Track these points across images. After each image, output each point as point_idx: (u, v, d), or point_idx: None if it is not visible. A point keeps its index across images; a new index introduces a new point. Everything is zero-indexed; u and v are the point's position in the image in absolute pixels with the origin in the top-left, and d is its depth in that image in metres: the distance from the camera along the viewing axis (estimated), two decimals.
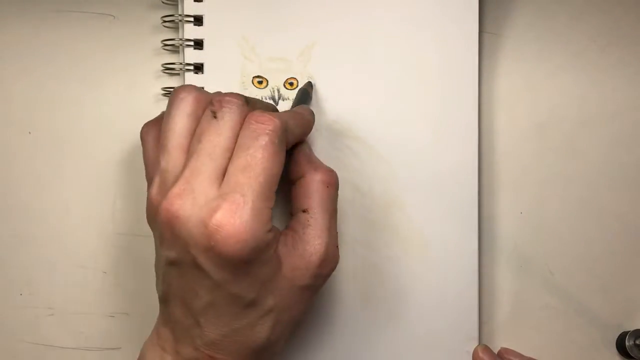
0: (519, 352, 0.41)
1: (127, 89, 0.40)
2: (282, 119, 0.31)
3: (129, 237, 0.40)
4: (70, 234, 0.40)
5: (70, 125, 0.40)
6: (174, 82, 0.40)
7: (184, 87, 0.33)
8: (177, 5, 0.40)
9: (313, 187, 0.33)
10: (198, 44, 0.39)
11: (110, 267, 0.40)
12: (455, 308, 0.40)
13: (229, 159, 0.30)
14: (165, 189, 0.31)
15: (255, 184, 0.29)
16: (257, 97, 0.39)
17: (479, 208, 0.40)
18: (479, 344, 0.40)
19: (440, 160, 0.40)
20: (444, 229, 0.40)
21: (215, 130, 0.31)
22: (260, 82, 0.39)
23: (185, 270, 0.31)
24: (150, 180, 0.34)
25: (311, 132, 0.38)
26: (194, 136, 0.31)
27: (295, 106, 0.37)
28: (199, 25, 0.39)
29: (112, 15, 0.41)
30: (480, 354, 0.39)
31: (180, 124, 0.32)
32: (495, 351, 0.41)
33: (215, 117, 0.31)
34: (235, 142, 0.31)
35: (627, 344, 0.41)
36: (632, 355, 0.41)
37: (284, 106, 0.39)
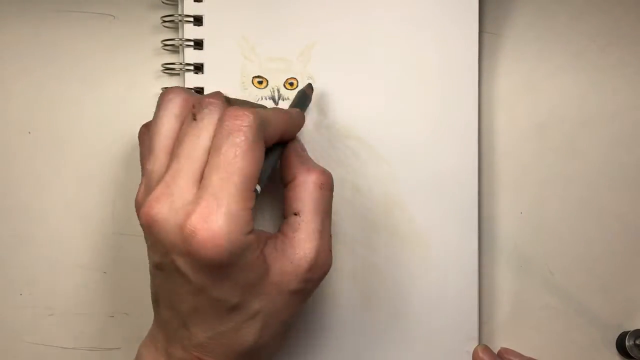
0: (519, 352, 0.41)
1: (127, 89, 0.40)
2: (259, 113, 0.30)
3: (129, 237, 0.40)
4: (70, 234, 0.40)
5: (70, 125, 0.40)
6: (174, 82, 0.40)
7: (172, 89, 0.32)
8: (177, 5, 0.40)
9: (305, 189, 0.32)
10: (198, 44, 0.39)
11: (110, 267, 0.40)
12: (455, 308, 0.40)
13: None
14: (148, 192, 0.31)
15: (229, 185, 0.29)
16: (257, 98, 0.39)
17: (479, 208, 0.40)
18: (479, 344, 0.40)
19: (440, 160, 0.40)
20: (444, 229, 0.40)
21: (194, 132, 0.30)
22: (260, 82, 0.39)
23: (168, 274, 0.30)
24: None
25: (311, 133, 0.39)
26: (177, 139, 0.31)
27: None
28: (198, 25, 0.39)
29: (112, 15, 0.41)
30: (480, 354, 0.39)
31: (167, 125, 0.31)
32: (495, 351, 0.41)
33: (195, 119, 0.31)
34: None
35: (627, 344, 0.41)
36: (632, 355, 0.41)
37: (284, 106, 0.39)
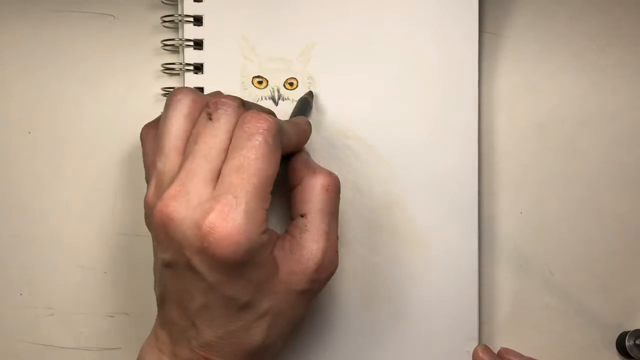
0: (519, 352, 0.41)
1: (127, 89, 0.40)
2: (277, 120, 0.31)
3: (129, 237, 0.40)
4: (70, 234, 0.40)
5: (70, 125, 0.40)
6: (174, 82, 0.40)
7: (181, 89, 0.33)
8: (177, 5, 0.40)
9: (312, 191, 0.33)
10: (198, 44, 0.39)
11: (110, 267, 0.40)
12: (455, 308, 0.40)
13: (224, 160, 0.30)
14: (160, 191, 0.31)
15: (248, 185, 0.29)
16: (256, 98, 0.39)
17: (479, 208, 0.40)
18: (479, 344, 0.40)
19: (440, 160, 0.40)
20: (444, 229, 0.40)
21: (211, 131, 0.31)
22: (260, 82, 0.39)
23: (180, 272, 0.31)
24: (148, 182, 0.34)
25: (312, 133, 0.38)
26: (190, 138, 0.31)
27: (293, 116, 0.37)
28: (198, 25, 0.39)
29: (112, 15, 0.41)
30: (480, 354, 0.39)
31: (176, 125, 0.32)
32: (495, 351, 0.41)
33: (210, 118, 0.31)
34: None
35: (627, 344, 0.41)
36: (632, 355, 0.41)
37: (284, 106, 0.39)
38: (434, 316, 0.40)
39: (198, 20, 0.39)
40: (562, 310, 0.42)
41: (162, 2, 0.40)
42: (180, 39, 0.39)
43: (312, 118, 0.39)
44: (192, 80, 0.39)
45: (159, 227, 0.30)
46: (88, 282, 0.40)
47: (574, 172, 0.42)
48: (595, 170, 0.42)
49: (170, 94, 0.33)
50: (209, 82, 0.39)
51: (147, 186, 0.32)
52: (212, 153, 0.30)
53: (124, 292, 0.40)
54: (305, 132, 0.35)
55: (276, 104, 0.39)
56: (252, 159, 0.29)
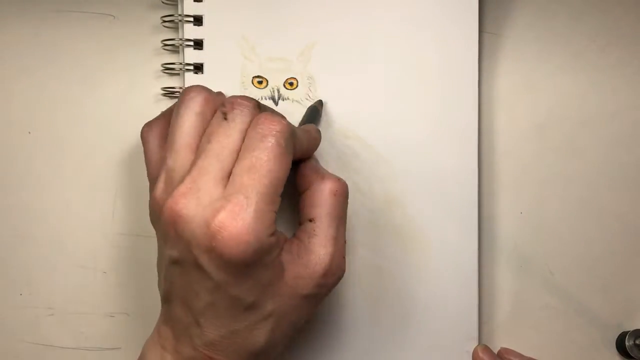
0: (519, 352, 0.41)
1: (127, 89, 0.40)
2: (290, 124, 0.31)
3: (129, 237, 0.40)
4: (70, 234, 0.40)
5: (70, 125, 0.40)
6: (174, 82, 0.40)
7: (194, 87, 0.33)
8: (177, 5, 0.40)
9: (320, 196, 0.33)
10: (198, 44, 0.39)
11: (110, 267, 0.40)
12: (455, 308, 0.40)
13: (236, 160, 0.30)
14: (170, 188, 0.31)
15: (259, 186, 0.29)
16: (256, 98, 0.39)
17: (479, 208, 0.40)
18: (479, 344, 0.40)
19: (440, 160, 0.40)
20: (444, 229, 0.40)
21: (225, 131, 0.31)
22: (260, 82, 0.39)
23: (187, 270, 0.31)
24: (153, 180, 0.33)
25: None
26: (204, 136, 0.31)
27: (303, 124, 0.37)
28: (198, 25, 0.39)
29: (112, 15, 0.41)
30: (480, 354, 0.39)
31: (188, 122, 0.32)
32: (495, 351, 0.41)
33: (225, 118, 0.31)
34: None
35: (627, 344, 0.41)
36: (632, 355, 0.41)
37: (284, 106, 0.39)
38: (433, 316, 0.40)
39: (198, 20, 0.39)
40: (562, 310, 0.42)
41: (162, 2, 0.40)
42: (180, 39, 0.39)
43: None
44: (192, 80, 0.39)
45: (168, 223, 0.30)
46: (88, 282, 0.40)
47: (574, 172, 0.42)
48: (595, 170, 0.42)
49: (183, 91, 0.33)
50: (209, 82, 0.39)
51: (154, 183, 0.32)
52: (224, 152, 0.30)
53: (124, 292, 0.40)
54: (315, 140, 0.35)
55: (276, 103, 0.39)
56: (264, 160, 0.29)
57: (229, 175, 0.30)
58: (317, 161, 0.35)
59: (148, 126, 0.35)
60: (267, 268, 0.31)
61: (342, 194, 0.33)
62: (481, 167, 0.41)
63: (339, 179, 0.33)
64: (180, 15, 0.39)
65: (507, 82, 0.42)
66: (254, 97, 0.39)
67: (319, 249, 0.32)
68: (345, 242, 0.33)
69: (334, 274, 0.33)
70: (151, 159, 0.34)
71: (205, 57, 0.39)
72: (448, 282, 0.40)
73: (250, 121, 0.31)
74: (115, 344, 0.40)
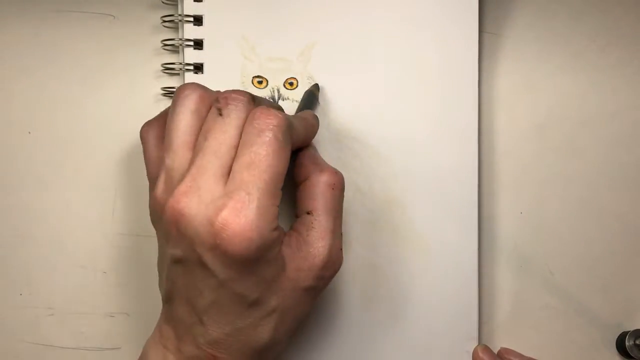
0: (519, 352, 0.41)
1: (127, 89, 0.40)
2: (287, 116, 0.31)
3: (129, 237, 0.40)
4: (70, 234, 0.40)
5: (71, 125, 0.40)
6: (174, 82, 0.40)
7: (188, 85, 0.33)
8: (177, 5, 0.40)
9: (318, 188, 0.33)
10: (198, 44, 0.39)
11: (110, 267, 0.40)
12: (455, 308, 0.40)
13: (234, 156, 0.30)
14: (171, 187, 0.31)
15: (260, 182, 0.29)
16: None
17: (479, 208, 0.40)
18: (479, 344, 0.40)
19: (440, 160, 0.40)
20: (444, 229, 0.40)
21: (221, 127, 0.31)
22: (260, 82, 0.39)
23: (190, 269, 0.31)
24: (153, 179, 0.33)
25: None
26: (200, 134, 0.31)
27: (300, 110, 0.37)
28: (198, 25, 0.39)
29: (112, 15, 0.41)
30: (480, 354, 0.39)
31: (184, 121, 0.32)
32: (495, 351, 0.41)
33: (220, 114, 0.31)
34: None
35: (627, 344, 0.41)
36: (632, 355, 0.41)
37: (284, 106, 0.39)
38: (434, 316, 0.40)
39: (198, 20, 0.39)
40: (562, 310, 0.42)
41: (162, 2, 0.40)
42: (180, 39, 0.39)
43: None
44: (192, 80, 0.39)
45: (170, 223, 0.30)
46: (88, 282, 0.40)
47: (574, 172, 0.42)
48: (595, 170, 0.42)
49: (177, 90, 0.33)
50: (208, 82, 0.38)
51: (154, 183, 0.32)
52: (222, 149, 0.30)
53: (124, 292, 0.40)
54: (313, 127, 0.35)
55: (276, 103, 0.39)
56: (263, 156, 0.29)
57: (228, 171, 0.30)
58: (315, 149, 0.35)
59: (147, 126, 0.35)
60: (270, 263, 0.31)
61: (339, 187, 0.33)
62: (481, 167, 0.41)
63: (336, 172, 0.33)
64: (180, 15, 0.39)
65: (507, 82, 0.42)
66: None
67: (317, 241, 0.32)
68: (341, 234, 0.34)
69: (332, 266, 0.33)
70: (150, 158, 0.34)
71: (205, 57, 0.39)
72: (448, 282, 0.40)
73: (246, 115, 0.31)
74: (115, 344, 0.40)
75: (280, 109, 0.35)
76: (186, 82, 0.39)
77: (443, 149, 0.40)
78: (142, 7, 0.41)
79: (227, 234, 0.29)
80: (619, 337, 0.41)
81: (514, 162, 0.41)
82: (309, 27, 0.39)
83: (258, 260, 0.30)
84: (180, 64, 0.39)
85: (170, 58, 0.40)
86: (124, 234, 0.40)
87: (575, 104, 0.42)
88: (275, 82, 0.39)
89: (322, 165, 0.34)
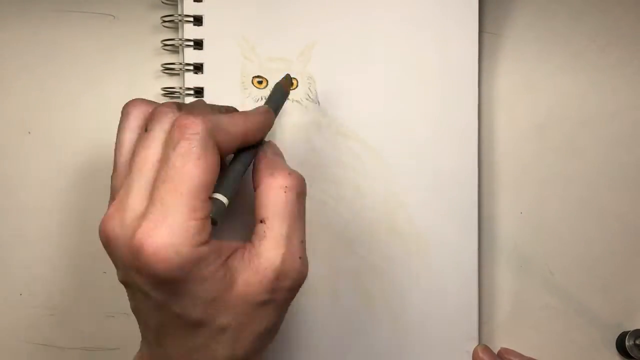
0: (519, 352, 0.41)
1: (127, 89, 0.40)
2: (209, 120, 0.28)
3: None
4: (71, 234, 0.40)
5: (70, 125, 0.40)
6: (174, 82, 0.40)
7: (131, 102, 0.31)
8: (177, 5, 0.40)
9: (269, 193, 0.30)
10: (198, 44, 0.39)
11: (110, 267, 0.40)
12: (455, 308, 0.40)
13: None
14: None
15: (176, 196, 0.27)
16: (256, 98, 0.39)
17: (479, 208, 0.40)
18: (479, 344, 0.40)
19: (440, 160, 0.40)
20: (444, 229, 0.40)
21: (144, 143, 0.29)
22: (260, 82, 0.39)
23: (132, 291, 0.30)
24: None
25: (312, 133, 0.38)
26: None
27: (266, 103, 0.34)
28: (198, 25, 0.39)
29: (112, 15, 0.41)
30: (480, 354, 0.39)
31: (125, 139, 0.31)
32: (495, 351, 0.41)
33: (146, 129, 0.29)
34: None
35: (627, 344, 0.41)
36: (632, 355, 0.41)
37: (283, 106, 0.39)
38: (434, 316, 0.40)
39: (198, 20, 0.39)
40: (562, 310, 0.42)
41: (162, 2, 0.40)
42: (180, 39, 0.39)
43: (313, 118, 0.39)
44: (192, 80, 0.39)
45: (104, 247, 0.29)
46: (88, 282, 0.40)
47: (574, 172, 0.42)
48: (595, 170, 0.42)
49: (123, 107, 0.31)
50: (209, 82, 0.39)
51: None
52: (146, 166, 0.29)
53: (124, 292, 0.40)
54: (259, 124, 0.32)
55: None
56: (179, 167, 0.27)
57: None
58: (275, 152, 0.33)
59: None
60: (206, 281, 0.28)
61: (294, 189, 0.30)
62: (481, 167, 0.41)
63: (290, 173, 0.31)
64: (180, 15, 0.39)
65: (507, 82, 0.42)
66: (253, 97, 0.39)
67: (268, 251, 0.29)
68: (302, 241, 0.31)
69: (289, 275, 0.30)
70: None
71: (205, 57, 0.39)
72: (448, 282, 0.40)
73: (170, 127, 0.29)
74: (115, 344, 0.40)
75: (218, 110, 0.33)
76: (186, 82, 0.39)
77: (443, 148, 0.40)
78: (142, 7, 0.41)
79: (143, 256, 0.27)
80: (619, 337, 0.41)
81: (514, 162, 0.41)
82: (309, 27, 0.39)
83: (186, 279, 0.28)
84: (180, 64, 0.39)
85: (170, 58, 0.40)
86: None
87: (575, 104, 0.42)
88: (275, 82, 0.39)
89: (274, 168, 0.31)
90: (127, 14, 0.41)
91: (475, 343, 0.40)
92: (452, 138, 0.40)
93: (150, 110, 0.30)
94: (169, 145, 0.28)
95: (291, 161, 0.33)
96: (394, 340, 0.39)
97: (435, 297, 0.40)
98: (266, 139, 0.33)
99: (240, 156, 0.31)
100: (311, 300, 0.38)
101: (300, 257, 0.30)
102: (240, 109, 0.39)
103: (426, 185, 0.39)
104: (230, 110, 0.34)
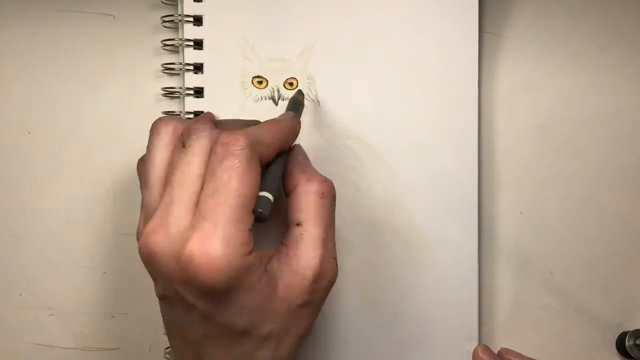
0: (519, 352, 0.41)
1: (127, 89, 0.40)
2: (249, 134, 0.30)
3: (129, 237, 0.40)
4: (70, 234, 0.40)
5: (70, 125, 0.40)
6: (174, 82, 0.40)
7: (162, 119, 0.32)
8: (177, 5, 0.40)
9: (306, 198, 0.32)
10: (198, 44, 0.39)
11: (110, 267, 0.40)
12: (455, 308, 0.40)
13: (202, 185, 0.30)
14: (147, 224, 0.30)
15: (225, 209, 0.28)
16: (256, 98, 0.39)
17: (479, 208, 0.40)
18: (479, 344, 0.40)
19: (440, 160, 0.40)
20: (444, 229, 0.40)
21: (184, 159, 0.30)
22: (260, 82, 0.39)
23: (174, 304, 0.30)
24: None
25: (312, 133, 0.39)
26: (168, 169, 0.31)
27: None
28: (198, 25, 0.39)
29: (112, 15, 0.41)
30: (480, 354, 0.39)
31: (158, 156, 0.31)
32: (495, 351, 0.41)
33: (184, 146, 0.30)
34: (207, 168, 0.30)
35: (627, 344, 0.41)
36: (632, 355, 0.41)
37: (284, 106, 0.39)
38: (434, 316, 0.40)
39: (198, 20, 0.39)
40: (562, 310, 0.42)
41: (162, 2, 0.40)
42: (180, 39, 0.39)
43: (312, 118, 0.39)
44: (192, 80, 0.39)
45: (144, 262, 0.30)
46: (88, 282, 0.40)
47: (574, 172, 0.42)
48: (595, 170, 0.42)
49: (152, 124, 0.32)
50: (209, 82, 0.39)
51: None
52: (188, 180, 0.30)
53: (124, 292, 0.40)
54: (291, 130, 0.34)
55: (276, 104, 0.39)
56: (226, 181, 0.29)
57: (197, 203, 0.29)
58: (304, 156, 0.34)
59: (141, 161, 0.34)
60: (252, 289, 0.30)
61: (329, 195, 0.32)
62: (481, 167, 0.41)
63: (324, 180, 0.33)
64: (180, 15, 0.39)
65: (507, 82, 0.42)
66: (253, 97, 0.39)
67: (307, 253, 0.31)
68: (334, 244, 0.33)
69: (325, 277, 0.32)
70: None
71: (205, 57, 0.39)
72: (448, 282, 0.40)
73: (209, 143, 0.30)
74: (115, 344, 0.40)
75: (250, 124, 0.34)
76: (186, 82, 0.39)
77: (443, 149, 0.40)
78: (142, 7, 0.41)
79: (194, 267, 0.28)
80: (619, 337, 0.41)
81: (514, 162, 0.42)
82: (309, 27, 0.39)
83: (233, 289, 0.29)
84: (180, 64, 0.39)
85: (170, 58, 0.40)
86: (124, 234, 0.40)
87: (575, 104, 0.42)
88: (275, 82, 0.39)
89: (309, 174, 0.33)
90: (127, 14, 0.41)
91: (475, 343, 0.40)
92: (452, 138, 0.40)
93: (180, 127, 0.32)
94: (213, 160, 0.29)
95: None
96: (393, 340, 0.39)
97: (435, 297, 0.40)
98: None
99: (276, 159, 0.33)
100: None
101: (334, 258, 0.32)
102: (240, 109, 0.39)
103: (426, 185, 0.39)
104: (255, 123, 0.35)
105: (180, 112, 0.39)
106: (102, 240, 0.40)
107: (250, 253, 0.29)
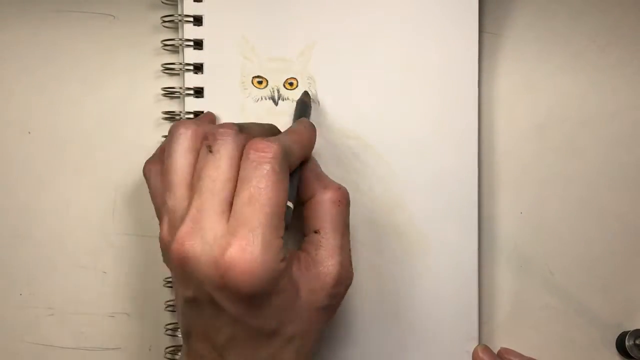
0: (518, 352, 0.41)
1: (127, 89, 0.40)
2: (281, 143, 0.31)
3: (129, 237, 0.40)
4: (70, 234, 0.40)
5: (71, 125, 0.40)
6: (174, 82, 0.40)
7: (182, 123, 0.33)
8: (177, 5, 0.40)
9: (323, 206, 0.33)
10: (198, 44, 0.39)
11: (110, 267, 0.40)
12: (455, 308, 0.40)
13: (232, 190, 0.30)
14: (174, 229, 0.31)
15: (262, 216, 0.29)
16: (256, 98, 0.39)
17: (479, 208, 0.40)
18: (479, 344, 0.40)
19: (440, 160, 0.40)
20: (444, 228, 0.40)
21: (213, 164, 0.31)
22: (260, 82, 0.39)
23: (203, 307, 0.31)
24: (159, 218, 0.33)
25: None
26: (195, 173, 0.31)
27: (295, 120, 0.36)
28: (198, 25, 0.39)
29: (112, 15, 0.41)
30: (480, 354, 0.39)
31: (181, 160, 0.32)
32: (495, 351, 0.41)
33: (211, 151, 0.31)
34: (235, 173, 0.30)
35: (627, 344, 0.41)
36: (632, 355, 0.41)
37: (283, 106, 0.39)
38: (434, 316, 0.40)
39: (198, 20, 0.39)
40: (562, 310, 0.42)
41: (162, 2, 0.40)
42: (180, 39, 0.39)
43: (313, 118, 0.39)
44: (192, 80, 0.39)
45: (176, 266, 0.30)
46: (88, 282, 0.40)
47: (574, 172, 0.42)
48: (595, 170, 0.42)
49: (171, 128, 0.33)
50: (209, 82, 0.39)
51: (160, 223, 0.32)
52: (217, 186, 0.30)
53: (124, 292, 0.40)
54: (310, 139, 0.35)
55: (276, 104, 0.39)
56: (262, 189, 0.29)
57: (228, 207, 0.30)
58: (317, 165, 0.35)
59: (149, 164, 0.35)
60: (282, 292, 0.31)
61: (344, 202, 0.34)
62: (481, 167, 0.41)
63: (339, 187, 0.34)
64: (180, 15, 0.39)
65: (507, 82, 0.42)
66: (253, 97, 0.39)
67: (327, 259, 0.32)
68: (350, 249, 0.34)
69: (344, 282, 0.33)
70: (155, 194, 0.34)
71: (205, 57, 0.39)
72: (448, 282, 0.40)
73: (236, 147, 0.31)
74: (115, 344, 0.40)
75: (272, 130, 0.35)
76: (186, 82, 0.39)
77: (443, 148, 0.40)
78: (142, 7, 0.41)
79: (234, 273, 0.28)
80: (619, 337, 0.41)
81: (514, 162, 0.41)
82: (309, 27, 0.39)
83: (267, 293, 0.30)
84: (180, 64, 0.39)
85: (170, 58, 0.40)
86: (124, 234, 0.40)
87: (575, 104, 0.42)
88: (275, 82, 0.39)
89: (325, 182, 0.34)
90: (127, 14, 0.41)
91: (475, 343, 0.40)
92: (452, 138, 0.40)
93: (200, 130, 0.32)
94: (248, 167, 0.30)
95: None
96: (393, 340, 0.39)
97: (435, 297, 0.40)
98: None
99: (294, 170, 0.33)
100: None
101: (351, 264, 0.33)
102: (240, 109, 0.39)
103: (426, 185, 0.39)
104: (273, 128, 0.36)
105: (180, 112, 0.39)
106: (102, 240, 0.40)
107: (283, 259, 0.30)
